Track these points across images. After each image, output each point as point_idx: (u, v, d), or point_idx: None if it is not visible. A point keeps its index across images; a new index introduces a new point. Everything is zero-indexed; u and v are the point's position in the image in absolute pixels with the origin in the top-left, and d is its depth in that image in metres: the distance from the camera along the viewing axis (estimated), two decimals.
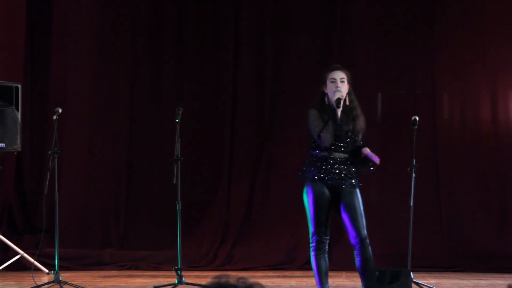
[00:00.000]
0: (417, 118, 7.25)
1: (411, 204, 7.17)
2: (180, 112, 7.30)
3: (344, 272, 8.67)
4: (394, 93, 9.76)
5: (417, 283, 7.20)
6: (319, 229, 6.09)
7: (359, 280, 6.25)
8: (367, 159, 6.13)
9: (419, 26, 9.70)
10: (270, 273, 9.08)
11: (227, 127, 9.83)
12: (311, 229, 6.13)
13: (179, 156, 7.20)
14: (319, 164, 6.11)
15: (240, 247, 9.61)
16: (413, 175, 7.19)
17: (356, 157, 6.17)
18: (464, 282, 8.32)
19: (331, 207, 6.15)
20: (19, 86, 8.64)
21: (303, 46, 9.81)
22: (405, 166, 7.29)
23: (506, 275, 8.76)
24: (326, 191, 6.10)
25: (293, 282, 8.35)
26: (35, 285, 7.32)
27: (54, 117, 7.37)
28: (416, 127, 7.22)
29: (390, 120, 9.64)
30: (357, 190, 6.15)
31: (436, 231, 9.46)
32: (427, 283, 7.58)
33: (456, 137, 9.61)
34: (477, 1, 9.69)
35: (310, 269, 9.12)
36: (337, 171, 6.10)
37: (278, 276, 8.82)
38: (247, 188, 9.78)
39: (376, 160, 6.08)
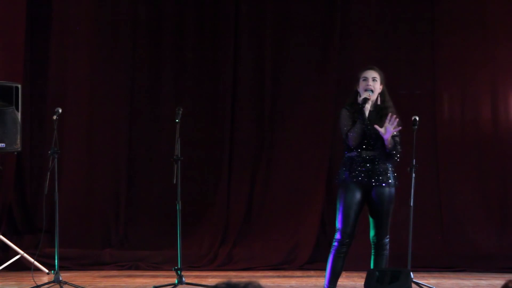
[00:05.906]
0: (417, 118, 7.23)
1: (411, 204, 7.16)
2: (180, 112, 7.30)
3: (344, 272, 8.64)
4: (394, 93, 9.73)
5: (417, 283, 7.19)
6: (344, 230, 6.15)
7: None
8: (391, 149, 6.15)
9: (419, 26, 9.70)
10: (270, 273, 9.07)
11: (227, 127, 9.82)
12: (337, 229, 6.16)
13: (179, 156, 7.20)
14: (349, 164, 6.17)
15: (240, 247, 9.60)
16: (413, 175, 7.18)
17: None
18: (464, 282, 8.32)
19: (361, 208, 6.21)
20: (19, 86, 8.64)
21: (303, 46, 9.81)
22: (405, 166, 7.28)
23: (506, 275, 8.73)
24: (358, 193, 6.16)
25: (293, 282, 8.34)
26: (35, 285, 7.31)
27: (54, 117, 7.36)
28: (416, 127, 7.20)
29: None
30: (389, 188, 6.20)
31: (436, 231, 9.46)
32: (427, 283, 7.57)
33: (456, 137, 9.61)
34: (477, 1, 9.69)
35: (310, 269, 9.22)
36: (363, 169, 6.13)
37: (278, 276, 8.81)
38: (247, 188, 9.77)
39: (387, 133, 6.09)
